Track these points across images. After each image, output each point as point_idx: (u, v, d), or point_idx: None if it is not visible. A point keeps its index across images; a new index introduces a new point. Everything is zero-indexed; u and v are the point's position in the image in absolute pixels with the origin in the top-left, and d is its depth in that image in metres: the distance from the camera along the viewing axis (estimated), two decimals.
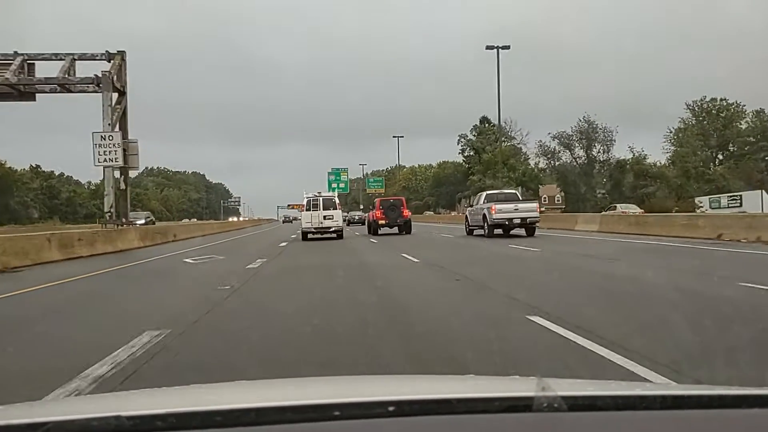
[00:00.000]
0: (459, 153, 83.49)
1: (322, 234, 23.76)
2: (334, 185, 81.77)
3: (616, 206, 37.69)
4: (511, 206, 21.09)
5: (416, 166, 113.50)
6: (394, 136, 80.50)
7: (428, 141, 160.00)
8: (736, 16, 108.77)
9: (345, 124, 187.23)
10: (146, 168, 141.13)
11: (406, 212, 27.92)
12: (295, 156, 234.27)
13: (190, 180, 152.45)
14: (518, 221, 20.86)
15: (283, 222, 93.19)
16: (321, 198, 24.37)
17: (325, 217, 23.98)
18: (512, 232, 21.42)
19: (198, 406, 1.14)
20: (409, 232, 27.18)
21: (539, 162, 69.36)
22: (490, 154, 70.96)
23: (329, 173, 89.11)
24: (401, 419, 1.04)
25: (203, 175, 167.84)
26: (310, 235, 23.61)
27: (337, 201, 24.80)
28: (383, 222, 27.55)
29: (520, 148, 75.97)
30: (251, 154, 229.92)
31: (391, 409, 1.05)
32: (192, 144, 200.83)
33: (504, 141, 78.00)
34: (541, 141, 68.11)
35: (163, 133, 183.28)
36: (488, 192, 24.18)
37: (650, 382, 3.07)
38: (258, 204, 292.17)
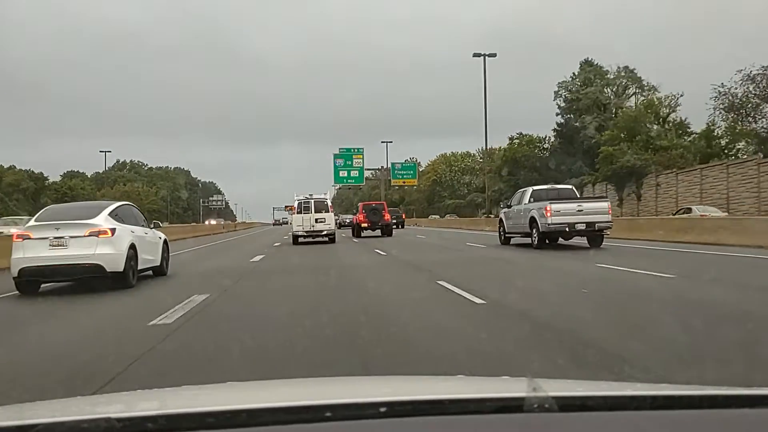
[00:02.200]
0: (557, 113, 57.06)
1: (313, 238, 24.75)
2: (342, 173, 65.72)
3: (691, 208, 29.95)
4: (572, 206, 17.23)
5: (449, 154, 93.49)
6: (475, 54, 43.22)
7: (429, 141, 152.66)
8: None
9: (344, 123, 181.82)
10: (117, 161, 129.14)
11: (387, 216, 31.58)
12: (294, 157, 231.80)
13: (172, 176, 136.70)
14: (582, 227, 16.87)
15: (274, 225, 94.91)
16: (312, 200, 24.95)
17: (317, 220, 24.48)
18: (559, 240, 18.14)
19: (189, 407, 1.19)
20: (390, 234, 30.61)
21: (735, 119, 39.34)
22: (631, 109, 47.62)
23: (336, 156, 67.28)
24: (393, 420, 1.09)
25: (188, 172, 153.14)
26: (300, 239, 24.60)
27: (330, 203, 25.78)
28: (366, 225, 30.77)
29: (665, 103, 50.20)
30: (249, 154, 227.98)
31: (382, 410, 1.10)
32: (184, 142, 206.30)
33: (636, 92, 54.63)
34: (723, 85, 37.91)
35: (154, 130, 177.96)
36: (535, 188, 20.29)
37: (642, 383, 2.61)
38: (255, 206, 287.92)
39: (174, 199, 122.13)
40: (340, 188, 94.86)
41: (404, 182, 72.06)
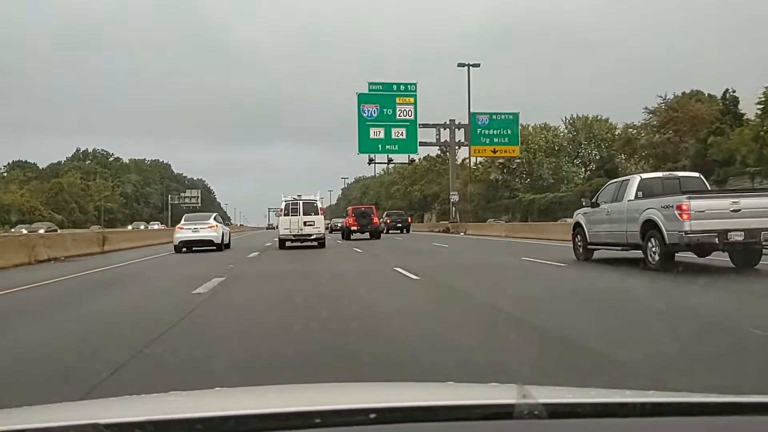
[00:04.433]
0: None
1: (301, 242, 25.19)
2: (376, 133, 38.25)
3: None
4: (724, 203, 11.32)
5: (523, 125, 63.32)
6: None
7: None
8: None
9: (341, 121, 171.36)
10: (77, 150, 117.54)
11: (376, 220, 34.00)
12: (294, 158, 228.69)
13: (144, 169, 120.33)
14: (739, 237, 11.05)
15: (267, 228, 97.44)
16: (301, 201, 25.00)
17: (305, 223, 24.48)
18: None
19: (177, 413, 1.21)
20: (378, 237, 33.69)
21: None
22: None
23: (362, 98, 37.85)
24: (383, 426, 1.12)
25: (168, 165, 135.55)
26: (288, 243, 25.58)
27: (320, 205, 25.99)
28: (355, 228, 32.95)
29: None
30: (246, 155, 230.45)
31: (372, 416, 1.13)
32: (181, 142, 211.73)
33: None
34: None
35: (153, 130, 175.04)
36: (644, 176, 14.16)
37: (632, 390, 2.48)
38: (254, 208, 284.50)
39: (145, 195, 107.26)
40: (358, 178, 75.01)
41: (495, 151, 40.92)
